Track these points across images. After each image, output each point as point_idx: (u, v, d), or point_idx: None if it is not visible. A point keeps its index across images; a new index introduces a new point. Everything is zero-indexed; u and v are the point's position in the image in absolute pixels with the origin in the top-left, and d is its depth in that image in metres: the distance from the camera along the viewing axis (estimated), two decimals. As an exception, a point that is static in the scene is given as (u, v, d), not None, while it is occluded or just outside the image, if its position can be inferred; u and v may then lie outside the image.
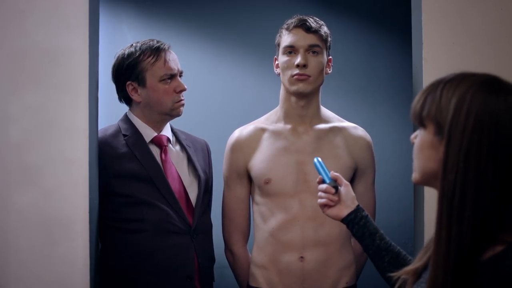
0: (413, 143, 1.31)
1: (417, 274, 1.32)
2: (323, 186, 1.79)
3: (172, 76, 2.35)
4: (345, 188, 1.79)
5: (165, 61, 2.34)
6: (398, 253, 1.70)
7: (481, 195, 1.16)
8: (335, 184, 1.79)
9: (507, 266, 1.12)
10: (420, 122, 1.26)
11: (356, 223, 1.76)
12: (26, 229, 1.99)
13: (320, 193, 1.80)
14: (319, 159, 1.86)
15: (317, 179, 1.83)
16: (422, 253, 1.35)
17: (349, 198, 1.78)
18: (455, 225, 1.17)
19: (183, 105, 2.39)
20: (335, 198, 1.77)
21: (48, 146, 2.02)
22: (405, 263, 1.63)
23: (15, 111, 2.02)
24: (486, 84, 1.20)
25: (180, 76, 2.40)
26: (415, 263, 1.34)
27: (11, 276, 1.98)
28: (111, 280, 2.28)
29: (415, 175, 1.30)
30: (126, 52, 2.37)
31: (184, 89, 2.37)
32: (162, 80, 2.33)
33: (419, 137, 1.27)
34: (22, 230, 1.99)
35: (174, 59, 2.38)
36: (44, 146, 2.02)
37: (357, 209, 1.77)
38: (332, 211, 1.79)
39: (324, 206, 1.80)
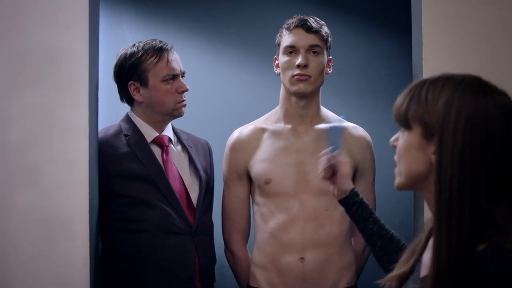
0: (394, 146, 1.31)
1: (402, 279, 1.33)
2: (324, 160, 1.85)
3: (175, 77, 2.35)
4: (341, 179, 1.83)
5: (168, 61, 2.34)
6: (390, 239, 1.74)
7: (478, 196, 1.16)
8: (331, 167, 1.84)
9: (486, 264, 1.12)
10: (405, 123, 1.26)
11: (349, 208, 1.81)
12: (26, 229, 1.99)
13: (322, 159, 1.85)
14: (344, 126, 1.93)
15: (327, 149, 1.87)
16: (406, 257, 1.35)
17: (344, 185, 1.82)
18: (455, 228, 1.16)
19: (185, 105, 2.38)
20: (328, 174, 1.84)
21: (48, 146, 2.03)
22: (395, 249, 1.68)
23: (15, 111, 2.02)
24: (471, 85, 1.21)
25: (183, 76, 2.40)
26: (400, 268, 1.34)
27: (11, 276, 1.98)
28: (111, 280, 2.28)
29: (399, 180, 1.30)
30: (129, 52, 2.36)
31: (186, 90, 2.37)
32: (164, 80, 2.33)
33: (402, 139, 1.27)
34: (23, 230, 1.99)
35: (177, 59, 2.38)
36: (44, 146, 2.02)
37: (351, 195, 1.81)
38: (331, 188, 1.86)
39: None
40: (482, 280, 1.12)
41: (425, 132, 1.22)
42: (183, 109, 2.38)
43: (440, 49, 2.07)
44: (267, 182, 2.31)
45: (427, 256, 1.29)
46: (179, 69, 2.36)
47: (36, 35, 2.04)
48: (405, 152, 1.27)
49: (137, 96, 2.36)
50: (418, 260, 1.33)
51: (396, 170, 1.30)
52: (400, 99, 1.28)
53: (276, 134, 2.36)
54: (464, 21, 2.07)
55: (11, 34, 2.03)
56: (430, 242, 1.29)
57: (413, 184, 1.28)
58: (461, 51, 2.06)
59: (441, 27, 2.08)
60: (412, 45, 2.25)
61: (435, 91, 1.22)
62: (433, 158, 1.22)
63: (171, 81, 2.34)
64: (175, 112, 2.37)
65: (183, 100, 2.37)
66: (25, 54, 2.03)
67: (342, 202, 1.82)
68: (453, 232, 1.17)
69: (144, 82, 2.34)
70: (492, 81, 1.21)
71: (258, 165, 2.34)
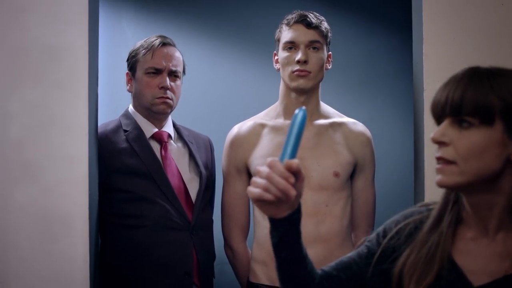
0: (438, 143, 1.21)
1: None
2: (280, 168, 1.18)
3: (158, 71, 2.35)
4: (301, 183, 1.23)
5: (154, 55, 2.35)
6: (312, 265, 1.37)
7: None
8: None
9: None
10: (486, 118, 1.17)
11: (294, 224, 1.29)
12: (26, 226, 1.99)
13: (275, 178, 1.17)
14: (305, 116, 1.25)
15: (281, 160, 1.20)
16: (421, 269, 1.25)
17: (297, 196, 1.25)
18: None
19: (165, 102, 2.36)
20: (293, 193, 1.19)
21: (48, 143, 2.02)
22: (315, 272, 1.37)
23: (15, 108, 2.01)
24: None
25: (176, 76, 2.38)
26: (421, 281, 1.25)
27: (11, 273, 1.98)
28: (110, 276, 2.28)
29: (458, 179, 1.19)
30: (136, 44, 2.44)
31: (166, 87, 2.34)
32: (147, 72, 2.36)
33: (476, 135, 1.18)
34: (22, 226, 1.99)
35: (167, 55, 2.37)
36: (44, 142, 2.02)
37: (299, 207, 1.27)
38: (270, 208, 1.25)
39: (259, 199, 1.20)
40: None
41: (509, 127, 1.16)
42: (162, 106, 2.36)
43: (441, 45, 2.06)
44: (267, 177, 2.30)
45: (471, 262, 1.24)
46: (165, 65, 2.36)
47: (35, 31, 2.03)
48: (482, 149, 1.17)
49: (128, 86, 2.43)
50: (444, 266, 1.25)
51: (458, 168, 1.19)
52: (475, 90, 1.18)
53: (275, 129, 2.36)
54: (464, 17, 2.06)
55: (11, 31, 2.03)
56: (466, 246, 1.25)
57: (477, 184, 1.19)
58: (461, 47, 2.05)
59: (442, 22, 2.07)
60: (412, 41, 2.24)
61: (505, 84, 1.18)
62: None
63: (154, 75, 2.35)
64: (153, 107, 2.36)
65: (163, 97, 2.35)
66: (25, 50, 2.03)
67: (291, 217, 1.26)
68: None
69: (133, 72, 2.39)
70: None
71: (258, 160, 2.33)
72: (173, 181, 2.32)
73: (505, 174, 1.19)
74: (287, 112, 2.36)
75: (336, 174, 2.29)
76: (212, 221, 2.46)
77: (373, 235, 1.40)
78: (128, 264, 2.26)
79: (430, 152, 1.97)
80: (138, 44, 2.41)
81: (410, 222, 1.35)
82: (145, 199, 2.27)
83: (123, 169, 2.28)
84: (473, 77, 1.19)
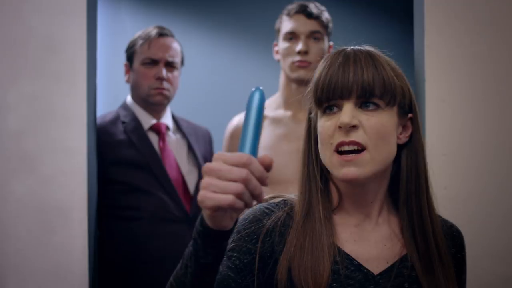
0: (350, 127, 1.09)
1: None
2: (260, 169, 0.92)
3: (155, 62, 2.34)
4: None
5: (151, 45, 2.35)
6: None
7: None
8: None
9: (455, 228, 1.26)
10: (392, 100, 1.12)
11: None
12: (24, 217, 1.99)
13: (253, 182, 0.90)
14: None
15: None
16: (311, 274, 1.11)
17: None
18: (430, 203, 1.18)
19: (162, 94, 2.35)
20: (264, 199, 0.99)
21: (46, 134, 2.02)
22: None
23: (13, 99, 2.01)
24: None
25: (173, 66, 2.37)
26: (318, 277, 1.11)
27: (9, 265, 1.98)
28: (108, 268, 2.27)
29: (371, 168, 1.10)
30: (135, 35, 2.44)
31: (162, 78, 2.34)
32: (143, 63, 2.35)
33: (382, 118, 1.11)
34: (20, 218, 1.99)
35: (164, 46, 2.36)
36: (42, 134, 2.01)
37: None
38: (224, 218, 0.94)
39: (229, 207, 0.88)
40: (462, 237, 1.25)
41: (400, 111, 1.15)
42: (159, 97, 2.35)
43: (443, 36, 2.05)
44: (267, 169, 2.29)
45: (363, 251, 1.15)
46: (161, 55, 2.35)
47: (34, 22, 2.03)
48: (388, 132, 1.12)
49: (126, 77, 2.42)
50: (338, 261, 1.13)
51: (362, 157, 1.09)
52: (382, 72, 1.12)
53: (276, 121, 2.35)
54: (466, 7, 2.05)
55: (9, 23, 2.02)
56: (352, 235, 1.16)
57: (380, 173, 1.13)
58: (463, 38, 2.04)
59: (444, 13, 2.06)
60: (414, 32, 2.23)
61: (394, 67, 1.17)
62: (400, 139, 1.15)
63: (151, 65, 2.34)
64: (149, 98, 2.36)
65: (159, 88, 2.35)
66: (23, 42, 2.02)
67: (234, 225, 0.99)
68: (430, 209, 1.18)
69: (131, 63, 2.39)
70: (497, 67, 1.17)
71: (258, 152, 2.32)
72: (171, 173, 2.31)
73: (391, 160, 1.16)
74: (288, 103, 2.35)
75: (337, 167, 2.28)
76: (211, 213, 2.44)
77: (233, 244, 1.17)
78: (126, 256, 2.25)
79: (431, 142, 1.96)
80: (137, 35, 2.41)
81: (276, 219, 1.19)
82: (142, 191, 2.26)
83: (121, 161, 2.28)
84: (375, 60, 1.14)
